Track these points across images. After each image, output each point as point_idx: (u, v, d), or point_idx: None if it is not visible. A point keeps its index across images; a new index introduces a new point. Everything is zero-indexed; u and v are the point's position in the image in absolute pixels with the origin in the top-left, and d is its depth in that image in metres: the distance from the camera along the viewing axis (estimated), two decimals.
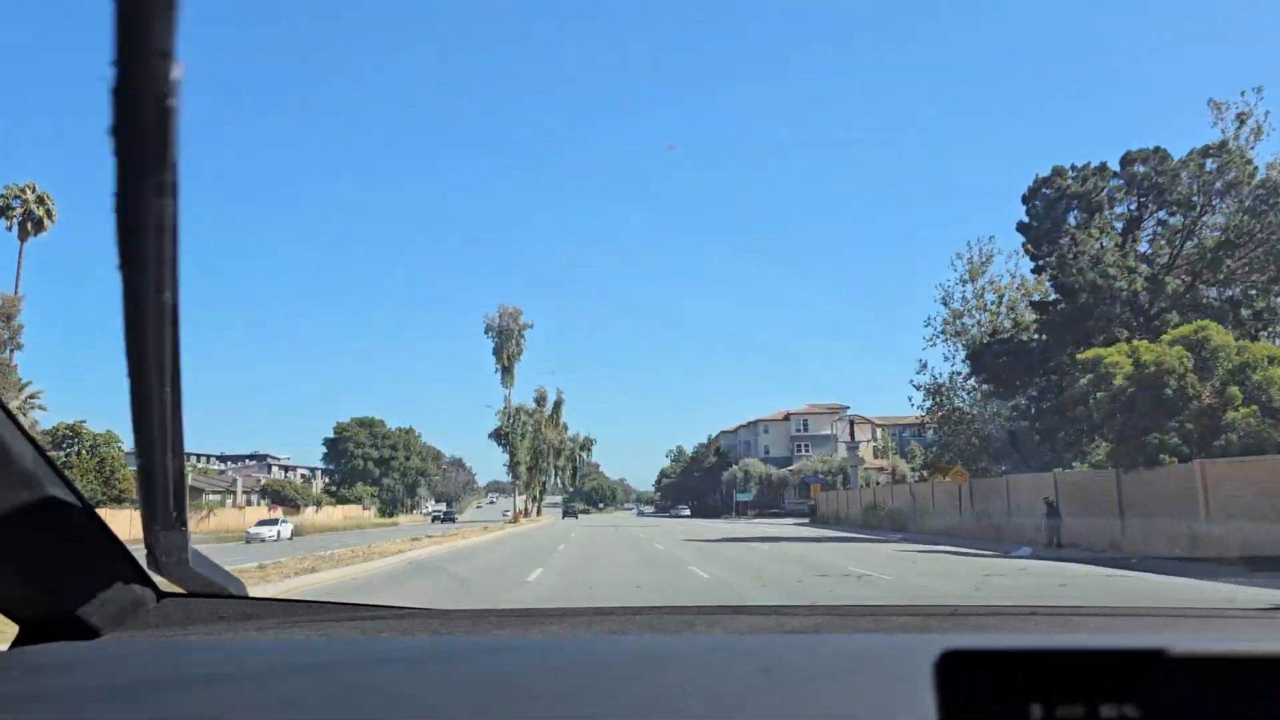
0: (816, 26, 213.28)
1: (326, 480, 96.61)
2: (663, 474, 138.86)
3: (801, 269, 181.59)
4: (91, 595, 1.12)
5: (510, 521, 57.89)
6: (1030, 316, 33.52)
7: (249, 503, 74.75)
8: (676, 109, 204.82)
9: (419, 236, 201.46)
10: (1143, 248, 29.00)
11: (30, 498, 0.97)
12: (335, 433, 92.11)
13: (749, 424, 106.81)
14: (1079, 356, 22.21)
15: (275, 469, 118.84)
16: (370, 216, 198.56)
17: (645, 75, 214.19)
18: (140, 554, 1.15)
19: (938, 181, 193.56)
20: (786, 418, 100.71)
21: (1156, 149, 27.97)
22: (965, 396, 47.73)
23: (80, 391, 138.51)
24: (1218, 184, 26.74)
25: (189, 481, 65.19)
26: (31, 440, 0.97)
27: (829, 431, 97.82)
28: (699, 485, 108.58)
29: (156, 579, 1.20)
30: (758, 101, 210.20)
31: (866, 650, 1.08)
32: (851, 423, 62.50)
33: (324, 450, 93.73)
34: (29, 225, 44.42)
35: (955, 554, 21.39)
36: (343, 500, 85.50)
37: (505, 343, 58.25)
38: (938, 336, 50.36)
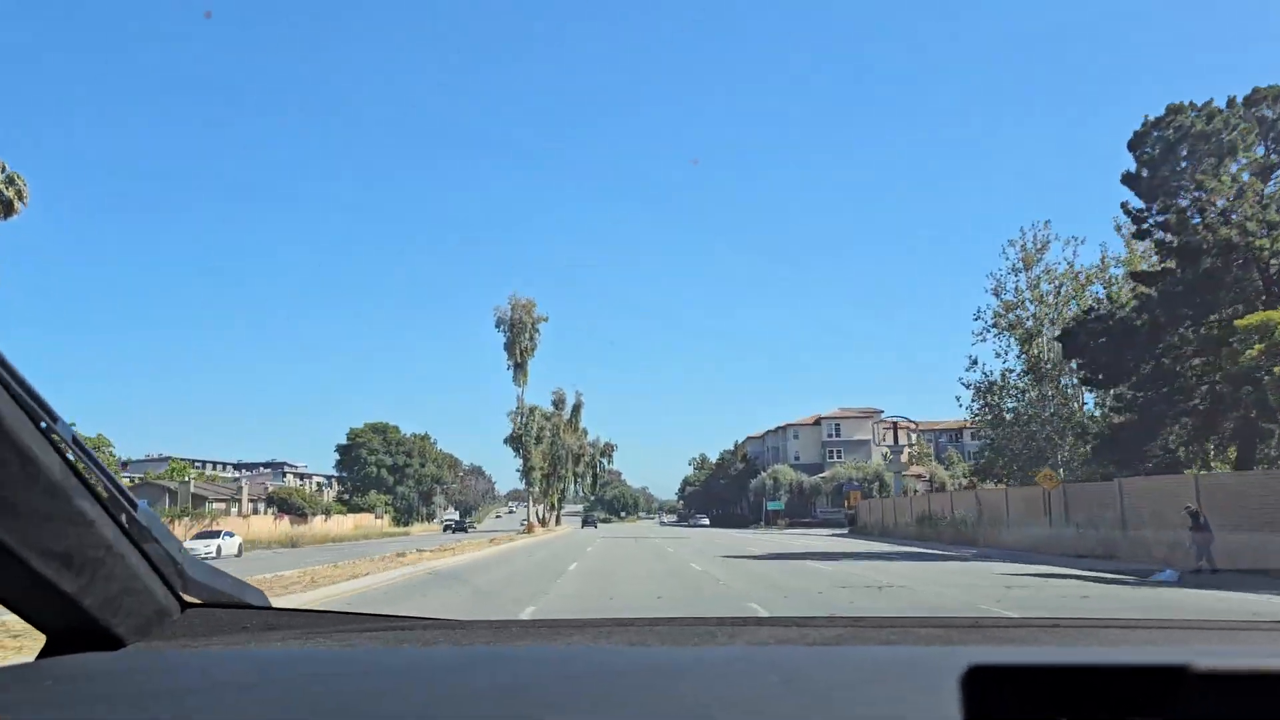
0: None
1: (340, 488, 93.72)
2: (686, 482, 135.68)
3: (814, 269, 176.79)
4: (118, 606, 1.14)
5: (524, 531, 53.20)
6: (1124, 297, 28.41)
7: (255, 511, 72.05)
8: (676, 109, 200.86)
9: (426, 236, 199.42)
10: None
11: (58, 510, 0.99)
12: (348, 438, 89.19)
13: (777, 429, 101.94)
14: (1239, 323, 17.25)
15: (291, 477, 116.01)
16: (374, 216, 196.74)
17: (648, 74, 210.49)
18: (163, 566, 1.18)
19: (971, 182, 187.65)
20: (817, 422, 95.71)
21: None
22: (1017, 396, 42.92)
23: (76, 392, 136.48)
24: None
25: (191, 489, 61.71)
26: (59, 452, 0.99)
27: (863, 436, 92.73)
28: (724, 493, 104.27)
29: (180, 590, 1.24)
30: (757, 102, 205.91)
31: (890, 661, 1.08)
32: (894, 425, 57.51)
33: (336, 457, 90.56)
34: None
35: (1084, 578, 16.53)
36: (355, 509, 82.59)
37: (518, 337, 53.83)
38: (988, 330, 45.64)
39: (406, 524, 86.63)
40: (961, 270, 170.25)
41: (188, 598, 1.27)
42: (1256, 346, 15.83)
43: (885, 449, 66.75)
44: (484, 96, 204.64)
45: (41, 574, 1.01)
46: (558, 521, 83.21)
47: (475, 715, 0.82)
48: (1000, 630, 1.44)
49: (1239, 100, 23.63)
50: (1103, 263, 42.24)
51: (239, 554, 36.10)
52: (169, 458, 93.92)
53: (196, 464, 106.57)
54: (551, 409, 74.94)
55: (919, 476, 74.05)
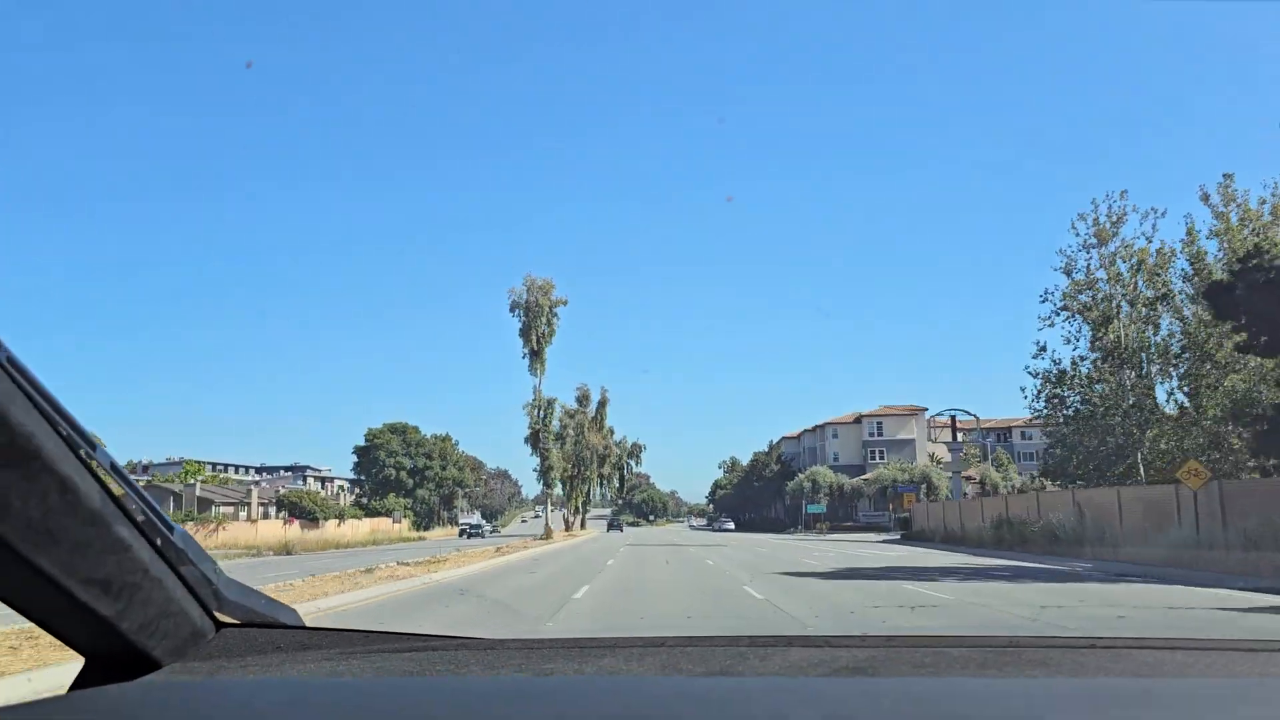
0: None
1: (358, 491, 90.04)
2: (716, 485, 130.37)
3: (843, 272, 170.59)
4: (154, 628, 1.16)
5: (542, 538, 48.31)
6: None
7: (265, 515, 68.44)
8: (686, 111, 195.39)
9: (453, 230, 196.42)
10: None
11: (98, 537, 1.01)
12: (366, 440, 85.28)
13: (815, 428, 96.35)
14: None
15: (312, 480, 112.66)
16: (404, 213, 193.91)
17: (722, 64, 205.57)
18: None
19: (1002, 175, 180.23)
20: (858, 420, 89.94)
21: None
22: (1086, 385, 37.77)
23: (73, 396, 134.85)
24: None
25: (197, 492, 57.62)
26: (98, 479, 1.00)
27: (907, 435, 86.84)
28: (758, 496, 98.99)
29: (215, 610, 1.25)
30: (791, 91, 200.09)
31: (925, 695, 1.09)
32: (953, 420, 51.90)
33: (355, 459, 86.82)
34: None
35: None
36: (373, 513, 78.70)
37: (534, 321, 49.08)
38: (1056, 314, 40.42)
39: (426, 528, 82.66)
40: (1002, 271, 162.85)
41: (222, 617, 1.28)
42: None
43: (940, 446, 61.09)
44: (484, 96, 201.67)
45: (81, 600, 1.03)
46: (583, 525, 78.53)
47: None
48: (1035, 650, 1.43)
49: None
50: (1189, 235, 36.98)
51: None
52: (186, 461, 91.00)
53: (218, 467, 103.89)
54: (575, 406, 70.26)
55: (969, 479, 68.50)
